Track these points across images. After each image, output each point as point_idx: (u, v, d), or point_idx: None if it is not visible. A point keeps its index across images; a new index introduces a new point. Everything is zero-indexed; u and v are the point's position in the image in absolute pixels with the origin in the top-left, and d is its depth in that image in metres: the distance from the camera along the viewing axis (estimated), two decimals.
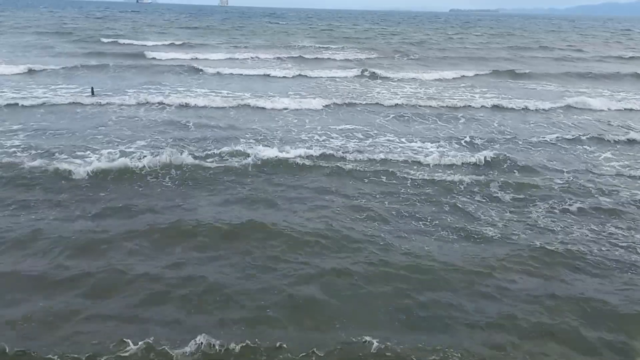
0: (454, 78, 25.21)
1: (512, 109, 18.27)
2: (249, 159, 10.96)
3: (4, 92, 17.66)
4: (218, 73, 24.11)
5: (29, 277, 6.43)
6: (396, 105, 18.13)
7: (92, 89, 18.33)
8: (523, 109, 18.21)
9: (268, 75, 24.33)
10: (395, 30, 69.37)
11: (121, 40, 37.63)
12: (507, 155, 11.88)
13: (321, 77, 24.28)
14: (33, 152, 11.06)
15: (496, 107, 18.41)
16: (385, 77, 24.68)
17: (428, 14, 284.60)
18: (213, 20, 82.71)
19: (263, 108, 16.98)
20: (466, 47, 43.91)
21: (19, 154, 10.92)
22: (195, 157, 10.93)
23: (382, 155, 11.74)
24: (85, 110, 15.61)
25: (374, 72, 25.46)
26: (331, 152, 11.85)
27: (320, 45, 40.11)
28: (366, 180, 10.20)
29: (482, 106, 18.48)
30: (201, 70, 24.46)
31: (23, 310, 5.74)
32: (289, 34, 53.32)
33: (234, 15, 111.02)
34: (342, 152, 11.82)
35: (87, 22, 62.52)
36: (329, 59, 32.01)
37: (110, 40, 37.99)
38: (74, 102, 16.53)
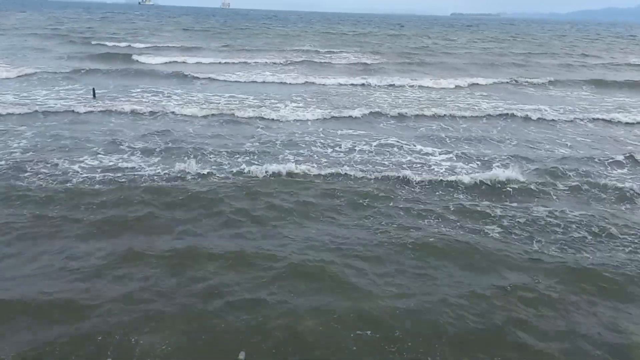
0: (470, 85, 22.90)
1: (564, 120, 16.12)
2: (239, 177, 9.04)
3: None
4: (210, 79, 21.84)
5: None
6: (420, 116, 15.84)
7: (94, 90, 17.27)
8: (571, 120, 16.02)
9: (265, 82, 22.06)
10: (400, 33, 67.17)
11: (109, 43, 35.36)
12: None
13: (325, 84, 22.02)
14: None
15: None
16: (395, 85, 22.36)
17: (429, 17, 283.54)
18: (215, 22, 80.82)
19: (271, 119, 14.71)
20: (486, 52, 41.48)
21: None
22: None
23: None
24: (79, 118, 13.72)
25: (381, 79, 23.20)
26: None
27: (328, 50, 37.72)
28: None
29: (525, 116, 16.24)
30: (195, 77, 22.17)
31: None
32: (291, 37, 51.14)
33: (235, 18, 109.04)
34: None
35: (85, 23, 60.32)
36: (334, 63, 29.72)
37: (100, 42, 35.77)
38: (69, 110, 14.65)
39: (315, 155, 11.22)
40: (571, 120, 16.17)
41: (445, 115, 16.02)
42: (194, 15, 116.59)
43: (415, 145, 12.36)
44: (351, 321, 5.21)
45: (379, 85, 21.88)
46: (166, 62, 26.95)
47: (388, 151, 11.85)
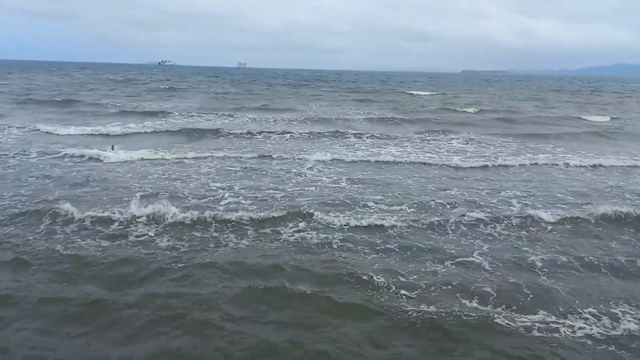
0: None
1: None
2: None
3: None
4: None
5: None
6: None
7: (113, 146, 18.10)
8: None
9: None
10: (433, 93, 64.31)
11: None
12: None
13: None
14: None
15: None
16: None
17: (442, 74, 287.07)
18: (235, 80, 79.39)
19: None
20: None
21: None
22: None
23: None
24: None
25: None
26: None
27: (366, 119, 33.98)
28: None
29: None
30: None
31: None
32: (320, 99, 48.03)
33: (255, 78, 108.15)
34: None
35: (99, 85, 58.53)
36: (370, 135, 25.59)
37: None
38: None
39: None
40: None
41: None
42: (216, 74, 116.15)
43: None
44: None
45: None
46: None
47: None
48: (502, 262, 8.45)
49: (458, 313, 6.53)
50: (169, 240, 8.97)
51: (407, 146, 20.82)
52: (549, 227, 10.31)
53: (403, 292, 7.17)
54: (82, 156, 16.51)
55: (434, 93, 63.68)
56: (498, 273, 8.00)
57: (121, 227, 9.57)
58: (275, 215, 10.30)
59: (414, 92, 62.59)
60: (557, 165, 17.51)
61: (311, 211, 10.52)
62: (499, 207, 11.72)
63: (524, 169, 16.69)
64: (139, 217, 9.94)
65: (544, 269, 8.22)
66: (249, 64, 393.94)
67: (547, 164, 17.63)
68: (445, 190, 13.30)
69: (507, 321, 6.43)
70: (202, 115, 30.17)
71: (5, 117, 26.33)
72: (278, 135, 22.70)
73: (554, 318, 6.62)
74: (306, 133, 23.33)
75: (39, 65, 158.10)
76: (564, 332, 6.30)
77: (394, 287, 7.29)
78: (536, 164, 17.58)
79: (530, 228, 10.25)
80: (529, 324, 6.42)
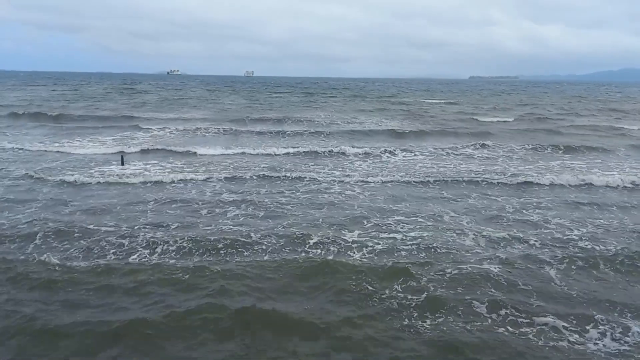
0: None
1: None
2: None
3: None
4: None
5: None
6: None
7: (122, 157, 17.34)
8: None
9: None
10: (451, 99, 61.64)
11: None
12: None
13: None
14: None
15: None
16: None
17: (450, 81, 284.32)
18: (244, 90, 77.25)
19: None
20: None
21: None
22: None
23: None
24: None
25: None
26: None
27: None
28: None
29: None
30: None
31: None
32: (338, 110, 45.75)
33: (262, 86, 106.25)
34: None
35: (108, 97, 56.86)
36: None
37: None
38: None
39: None
40: None
41: None
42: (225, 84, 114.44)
43: None
44: None
45: None
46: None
47: None
48: None
49: None
50: None
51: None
52: None
53: None
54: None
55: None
56: None
57: None
58: None
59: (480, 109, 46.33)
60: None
61: None
62: None
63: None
64: None
65: None
66: (256, 72, 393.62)
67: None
68: None
69: None
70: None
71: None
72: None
73: None
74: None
75: (61, 76, 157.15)
76: None
77: None
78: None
79: None
80: None
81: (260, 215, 11.03)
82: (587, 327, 6.27)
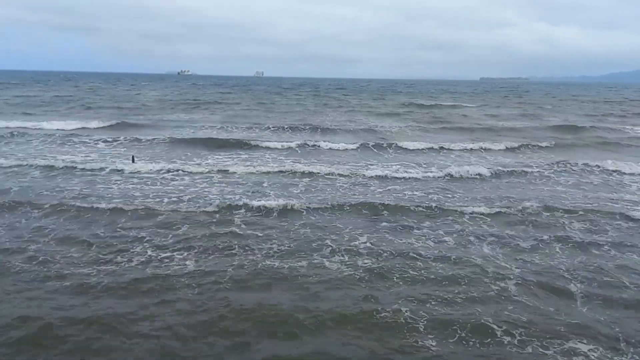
0: None
1: None
2: None
3: None
4: None
5: None
6: None
7: (133, 157, 17.21)
8: None
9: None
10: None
11: None
12: None
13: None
14: None
15: None
16: None
17: (463, 82, 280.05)
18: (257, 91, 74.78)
19: None
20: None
21: None
22: None
23: None
24: None
25: None
26: None
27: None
28: None
29: None
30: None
31: None
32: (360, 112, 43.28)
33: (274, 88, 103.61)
34: None
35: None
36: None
37: None
38: None
39: None
40: None
41: None
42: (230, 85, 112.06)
43: None
44: None
45: None
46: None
47: None
48: None
49: None
50: None
51: None
52: None
53: None
54: None
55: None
56: None
57: None
58: None
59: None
60: None
61: None
62: None
63: None
64: None
65: None
66: (266, 73, 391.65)
67: None
68: None
69: None
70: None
71: None
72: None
73: None
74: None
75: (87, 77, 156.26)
76: None
77: None
78: None
79: None
80: None
81: None
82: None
